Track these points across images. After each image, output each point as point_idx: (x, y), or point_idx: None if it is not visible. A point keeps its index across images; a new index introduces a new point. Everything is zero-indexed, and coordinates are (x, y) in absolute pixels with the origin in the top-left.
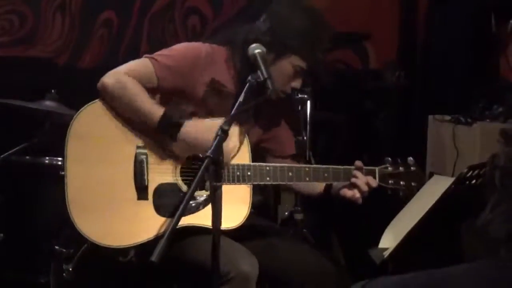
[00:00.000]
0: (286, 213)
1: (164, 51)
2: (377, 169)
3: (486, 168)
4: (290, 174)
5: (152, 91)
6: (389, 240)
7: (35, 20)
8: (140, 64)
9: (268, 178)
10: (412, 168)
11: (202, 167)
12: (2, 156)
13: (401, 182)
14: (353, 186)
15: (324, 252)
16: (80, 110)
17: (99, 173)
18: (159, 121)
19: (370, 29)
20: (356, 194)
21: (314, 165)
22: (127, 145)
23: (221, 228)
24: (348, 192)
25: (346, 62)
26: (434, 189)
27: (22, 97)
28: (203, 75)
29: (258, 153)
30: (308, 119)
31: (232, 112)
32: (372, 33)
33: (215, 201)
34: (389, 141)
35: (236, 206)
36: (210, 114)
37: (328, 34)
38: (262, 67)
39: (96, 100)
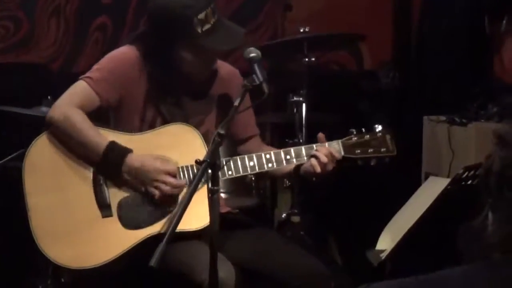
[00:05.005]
0: (283, 216)
1: (95, 67)
2: (340, 141)
3: (481, 168)
4: (251, 163)
5: (101, 109)
6: (386, 242)
7: (30, 25)
8: (78, 88)
9: (230, 172)
10: (378, 134)
11: (199, 171)
12: None
13: (369, 150)
14: (314, 157)
15: (322, 254)
16: (30, 145)
17: (60, 200)
18: (103, 155)
19: (364, 30)
20: (313, 161)
21: (275, 150)
22: (83, 166)
23: (191, 229)
24: (310, 168)
25: (341, 63)
26: (431, 190)
27: (18, 103)
28: (139, 75)
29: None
30: (303, 121)
31: (228, 116)
32: (366, 34)
33: (213, 205)
34: None
35: (200, 205)
36: (158, 114)
37: (194, 1)
38: (258, 71)
39: (44, 132)
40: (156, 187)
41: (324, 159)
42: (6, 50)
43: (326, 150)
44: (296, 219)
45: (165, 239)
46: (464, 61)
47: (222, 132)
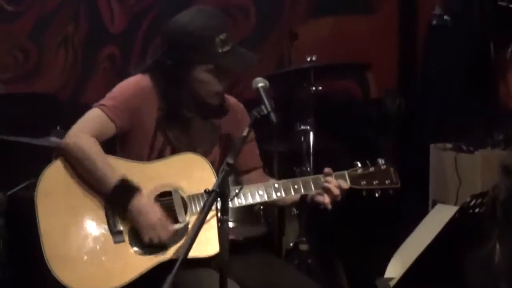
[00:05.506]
0: (291, 244)
1: (109, 95)
2: (346, 172)
3: (487, 198)
4: (260, 192)
5: (112, 137)
6: (395, 270)
7: (38, 55)
8: (93, 117)
9: (240, 201)
10: (382, 167)
11: (208, 201)
12: (9, 192)
13: (374, 182)
14: (325, 190)
15: (330, 281)
16: (43, 171)
17: (72, 225)
18: (113, 189)
19: (370, 58)
20: (326, 199)
21: (283, 180)
22: (95, 192)
23: (201, 256)
24: (319, 198)
25: (347, 92)
26: (438, 218)
27: (27, 133)
28: (149, 104)
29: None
30: (311, 150)
31: (236, 146)
32: (372, 62)
33: (223, 234)
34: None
35: (210, 232)
36: (167, 143)
37: (215, 23)
38: (266, 101)
39: (57, 158)
40: (149, 234)
41: (336, 191)
42: (15, 80)
43: (336, 183)
44: (304, 247)
45: (174, 270)
46: (470, 88)
47: (231, 162)
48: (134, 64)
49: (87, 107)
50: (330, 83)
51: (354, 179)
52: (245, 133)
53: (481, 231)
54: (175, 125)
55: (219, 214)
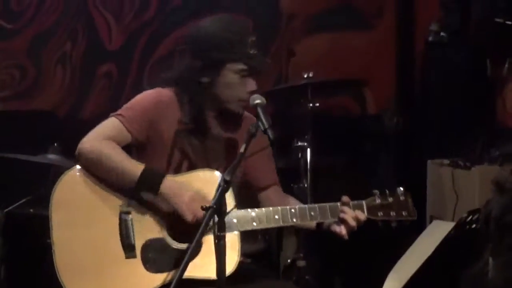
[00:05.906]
0: (289, 260)
1: (126, 105)
2: (364, 202)
3: (481, 214)
4: (276, 217)
5: (127, 148)
6: (391, 286)
7: (36, 72)
8: (110, 125)
9: (254, 224)
10: (401, 197)
11: (205, 218)
12: (6, 209)
13: (391, 213)
14: (341, 221)
15: None
16: (59, 179)
17: (85, 236)
18: (140, 176)
19: (368, 75)
20: (343, 230)
21: (300, 205)
22: (110, 205)
23: (210, 278)
24: (336, 228)
25: (344, 108)
26: (435, 234)
27: (24, 151)
28: (168, 117)
29: (242, 190)
30: (308, 166)
31: (234, 162)
32: (369, 79)
33: (220, 251)
34: (389, 186)
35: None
36: (185, 157)
37: (243, 27)
38: (263, 117)
39: (74, 166)
40: (191, 210)
41: (352, 223)
42: (12, 98)
43: (353, 214)
44: (301, 263)
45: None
46: (467, 104)
47: (227, 178)
48: (132, 79)
49: (84, 124)
50: (327, 100)
51: (371, 209)
52: (242, 150)
53: (477, 246)
54: (194, 137)
55: (216, 231)
